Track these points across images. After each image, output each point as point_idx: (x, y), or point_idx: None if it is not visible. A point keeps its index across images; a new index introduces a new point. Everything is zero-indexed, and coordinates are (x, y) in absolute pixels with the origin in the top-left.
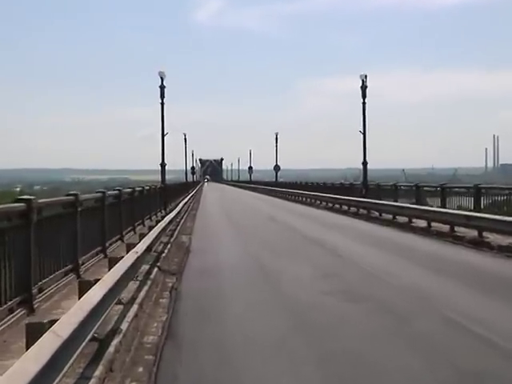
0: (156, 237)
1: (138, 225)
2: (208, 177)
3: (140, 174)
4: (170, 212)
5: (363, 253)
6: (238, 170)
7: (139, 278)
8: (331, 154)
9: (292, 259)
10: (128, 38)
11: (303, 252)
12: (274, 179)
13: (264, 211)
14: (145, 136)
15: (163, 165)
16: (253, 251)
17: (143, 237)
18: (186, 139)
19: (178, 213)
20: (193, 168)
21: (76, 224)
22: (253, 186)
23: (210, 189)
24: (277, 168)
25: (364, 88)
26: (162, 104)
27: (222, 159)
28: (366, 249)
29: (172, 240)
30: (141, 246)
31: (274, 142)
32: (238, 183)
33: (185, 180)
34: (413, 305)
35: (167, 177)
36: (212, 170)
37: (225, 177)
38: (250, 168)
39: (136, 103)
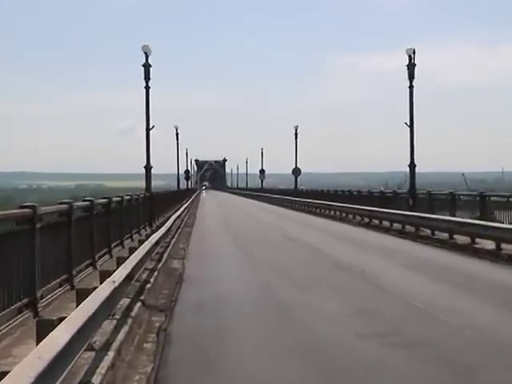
0: (139, 262)
1: (116, 246)
2: (206, 183)
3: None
4: (157, 229)
5: (410, 283)
6: (246, 174)
7: (117, 316)
8: (366, 154)
9: (317, 291)
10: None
11: (331, 281)
12: (292, 186)
13: (280, 227)
14: (124, 130)
15: (148, 168)
16: (265, 280)
17: (122, 262)
18: (177, 134)
19: (169, 230)
20: (187, 172)
21: (33, 245)
22: (265, 194)
23: (210, 198)
24: (296, 172)
25: (411, 67)
26: (147, 89)
27: (224, 160)
28: (414, 278)
29: (160, 266)
30: (119, 274)
31: (293, 138)
32: (245, 191)
33: (177, 187)
34: (481, 355)
35: (155, 183)
36: (212, 174)
37: (229, 183)
38: (262, 172)
39: (112, 88)
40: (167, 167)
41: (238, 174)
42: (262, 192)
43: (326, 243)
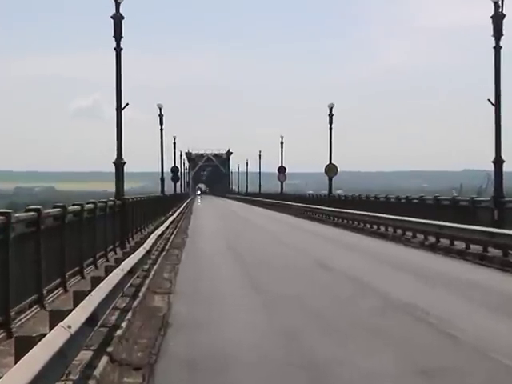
0: (105, 298)
1: (73, 276)
2: (203, 186)
3: (75, 179)
4: (132, 251)
5: (500, 334)
6: (260, 174)
7: (73, 377)
8: (427, 146)
9: (363, 343)
10: None
11: (383, 329)
12: (324, 189)
13: (309, 251)
14: (83, 109)
15: (120, 164)
16: (289, 328)
17: (81, 298)
18: (161, 117)
19: (148, 253)
20: (175, 170)
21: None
22: (286, 202)
23: (206, 208)
24: (331, 170)
25: (498, 18)
26: (118, 51)
27: (229, 154)
28: (505, 325)
29: (136, 304)
30: (76, 317)
31: (325, 123)
32: (257, 197)
33: (161, 191)
34: None
35: (130, 186)
36: (211, 173)
37: (234, 186)
38: (282, 170)
39: (67, 49)
40: (148, 163)
41: (247, 172)
42: (283, 199)
43: (374, 273)
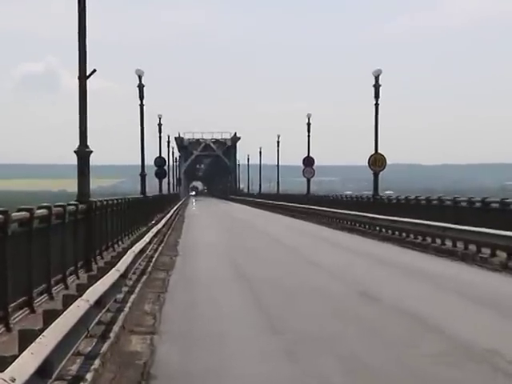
0: (63, 340)
1: (18, 309)
2: (199, 184)
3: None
4: (100, 275)
5: None
6: (278, 168)
7: None
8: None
9: None
10: None
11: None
12: (362, 191)
13: (349, 277)
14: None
15: (83, 154)
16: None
17: (29, 340)
18: (142, 88)
19: (123, 276)
20: (160, 162)
21: None
22: (315, 207)
23: (202, 220)
24: (378, 162)
25: None
26: None
27: (235, 139)
28: None
29: (106, 349)
30: (22, 366)
31: (367, 95)
32: (275, 200)
33: (141, 192)
34: None
35: (98, 184)
36: (210, 166)
37: (241, 184)
38: (308, 162)
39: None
40: (124, 154)
41: (260, 166)
42: (312, 203)
43: (440, 307)
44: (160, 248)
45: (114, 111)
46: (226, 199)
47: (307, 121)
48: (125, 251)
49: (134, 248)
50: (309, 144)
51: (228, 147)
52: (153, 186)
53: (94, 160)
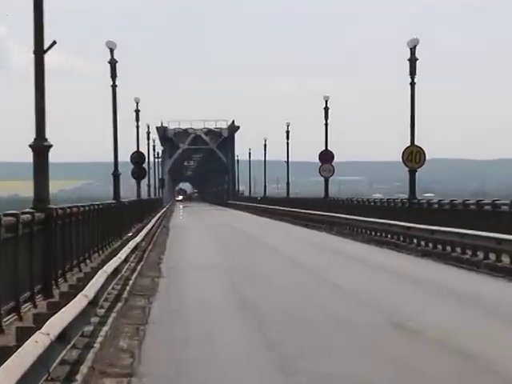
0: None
1: None
2: (187, 187)
3: None
4: (65, 300)
5: None
6: (288, 165)
7: None
8: None
9: None
10: None
11: None
12: (394, 193)
13: (379, 303)
14: None
15: (41, 149)
16: None
17: None
18: (114, 65)
19: (92, 304)
20: (138, 158)
21: None
22: (334, 215)
23: (194, 240)
24: (415, 157)
25: None
26: None
27: (233, 129)
28: None
29: None
30: None
31: (402, 75)
32: (285, 207)
33: (113, 196)
34: None
35: (59, 186)
36: (201, 164)
37: (240, 186)
38: (327, 158)
39: None
40: (93, 149)
41: (265, 162)
42: (327, 208)
43: (498, 345)
44: (139, 267)
45: (81, 95)
46: (223, 205)
47: (324, 105)
48: (94, 272)
49: (105, 268)
50: (326, 134)
51: (224, 139)
52: (129, 189)
53: (54, 157)
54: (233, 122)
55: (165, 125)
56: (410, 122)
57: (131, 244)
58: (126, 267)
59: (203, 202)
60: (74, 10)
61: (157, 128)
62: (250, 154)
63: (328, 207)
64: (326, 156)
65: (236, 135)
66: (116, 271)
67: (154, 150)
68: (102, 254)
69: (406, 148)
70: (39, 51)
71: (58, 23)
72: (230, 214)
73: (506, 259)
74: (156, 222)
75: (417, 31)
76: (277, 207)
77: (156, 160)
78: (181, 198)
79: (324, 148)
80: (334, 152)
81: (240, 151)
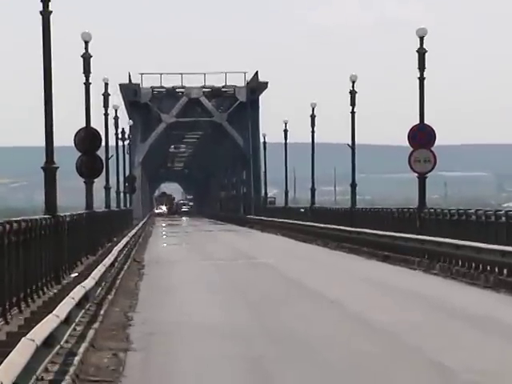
0: None
1: None
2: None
3: None
4: None
5: None
6: (353, 150)
7: None
8: None
9: None
10: None
11: None
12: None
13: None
14: None
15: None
16: None
17: None
18: None
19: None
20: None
21: None
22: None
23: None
24: None
25: None
26: None
27: (257, 86)
28: None
29: None
30: None
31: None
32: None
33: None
34: None
35: None
36: (202, 149)
37: (271, 190)
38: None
39: None
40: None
41: (313, 147)
42: (426, 229)
43: None
44: (90, 334)
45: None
46: (239, 222)
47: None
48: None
49: (31, 334)
50: (422, 98)
51: (240, 105)
52: (76, 194)
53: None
54: (255, 74)
55: (136, 81)
56: None
57: (77, 292)
58: (67, 333)
59: (203, 217)
60: None
61: (120, 87)
62: (285, 131)
63: (425, 225)
64: (423, 135)
65: (261, 99)
66: (50, 340)
67: (116, 126)
68: (26, 310)
69: None
70: None
71: None
72: (255, 239)
73: None
74: (116, 259)
75: None
76: (335, 226)
77: (121, 144)
78: (163, 209)
79: (419, 122)
80: (435, 130)
81: (268, 128)
